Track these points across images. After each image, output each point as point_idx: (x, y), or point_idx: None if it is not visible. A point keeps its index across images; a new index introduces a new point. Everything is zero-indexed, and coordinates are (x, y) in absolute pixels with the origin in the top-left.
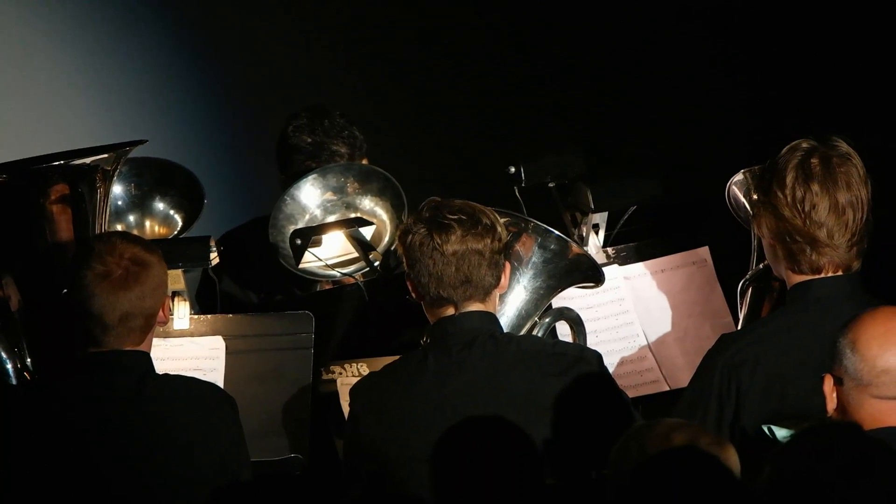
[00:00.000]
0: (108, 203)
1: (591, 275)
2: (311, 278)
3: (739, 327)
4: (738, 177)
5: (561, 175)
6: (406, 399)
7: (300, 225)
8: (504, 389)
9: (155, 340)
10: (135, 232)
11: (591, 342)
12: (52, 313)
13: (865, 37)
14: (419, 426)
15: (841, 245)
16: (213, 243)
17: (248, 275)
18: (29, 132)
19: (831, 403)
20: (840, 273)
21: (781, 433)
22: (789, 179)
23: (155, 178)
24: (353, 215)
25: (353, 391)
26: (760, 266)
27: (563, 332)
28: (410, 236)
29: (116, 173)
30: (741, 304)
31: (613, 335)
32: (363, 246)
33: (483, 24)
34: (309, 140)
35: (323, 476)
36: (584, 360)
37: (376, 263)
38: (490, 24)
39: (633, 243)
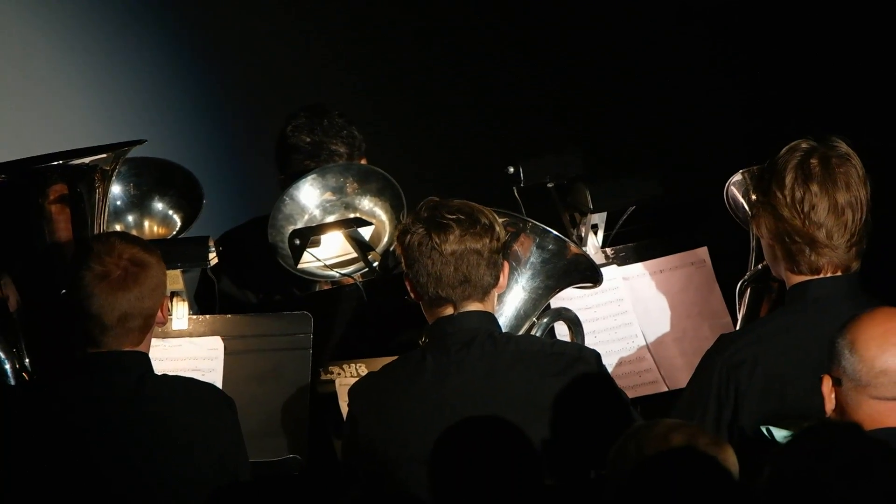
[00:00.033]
0: (107, 203)
1: (590, 275)
2: (309, 279)
3: (738, 328)
4: (737, 177)
5: (560, 175)
6: (405, 399)
7: (299, 225)
8: (503, 389)
9: (154, 341)
10: (134, 232)
11: (590, 343)
12: (50, 313)
13: (865, 37)
14: (418, 426)
15: (840, 245)
16: (211, 243)
17: (246, 275)
18: (28, 132)
19: (830, 404)
20: (839, 273)
21: (780, 434)
22: (788, 180)
23: (154, 178)
24: (352, 215)
25: (352, 391)
26: (759, 266)
27: (562, 332)
28: (409, 236)
29: (115, 173)
30: (740, 305)
31: (612, 335)
32: (362, 246)
33: (483, 24)
34: (308, 140)
35: (322, 476)
36: (583, 360)
37: (375, 264)
38: (490, 24)
39: (631, 244)
